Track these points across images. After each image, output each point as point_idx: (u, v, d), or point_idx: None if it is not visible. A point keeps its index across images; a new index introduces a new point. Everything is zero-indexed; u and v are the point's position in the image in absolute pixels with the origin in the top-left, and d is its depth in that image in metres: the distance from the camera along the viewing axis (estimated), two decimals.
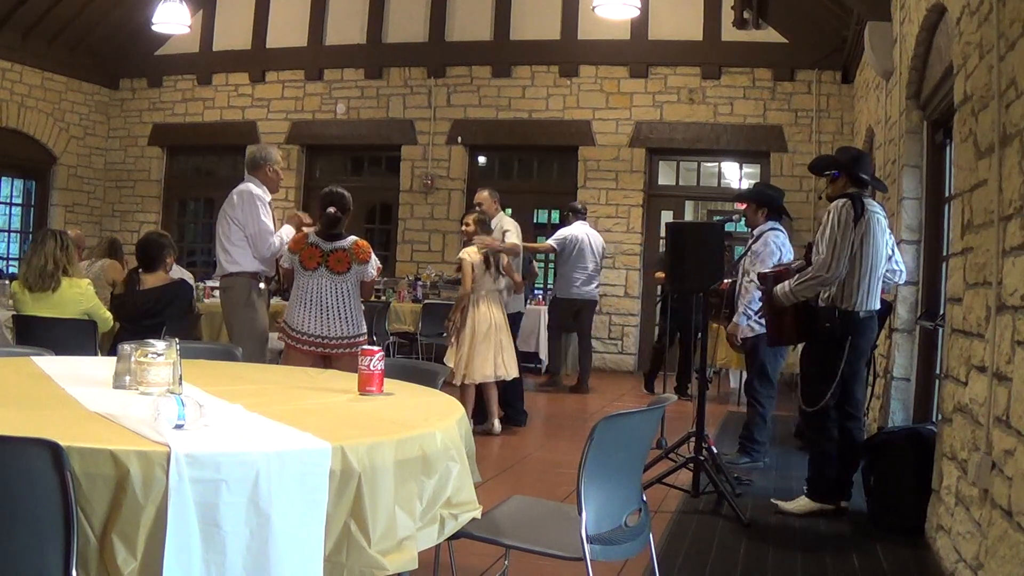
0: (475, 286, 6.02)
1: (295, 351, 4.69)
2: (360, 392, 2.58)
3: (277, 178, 5.29)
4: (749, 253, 5.41)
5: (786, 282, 4.26)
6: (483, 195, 6.81)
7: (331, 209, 4.71)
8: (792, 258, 5.39)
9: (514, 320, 6.70)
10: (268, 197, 5.16)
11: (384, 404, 2.51)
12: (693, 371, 6.99)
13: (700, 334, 5.77)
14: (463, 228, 6.29)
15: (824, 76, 9.99)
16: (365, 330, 4.85)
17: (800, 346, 4.70)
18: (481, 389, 6.11)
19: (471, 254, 6.05)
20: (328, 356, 4.67)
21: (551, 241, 8.54)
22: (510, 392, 6.47)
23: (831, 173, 4.38)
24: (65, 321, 4.89)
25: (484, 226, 6.21)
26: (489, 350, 5.99)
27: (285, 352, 4.88)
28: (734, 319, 5.44)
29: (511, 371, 6.15)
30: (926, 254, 5.42)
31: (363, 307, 4.88)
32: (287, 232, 5.07)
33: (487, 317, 6.01)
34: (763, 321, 5.10)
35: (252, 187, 5.11)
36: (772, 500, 4.55)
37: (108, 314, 5.11)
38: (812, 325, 4.29)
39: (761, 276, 4.40)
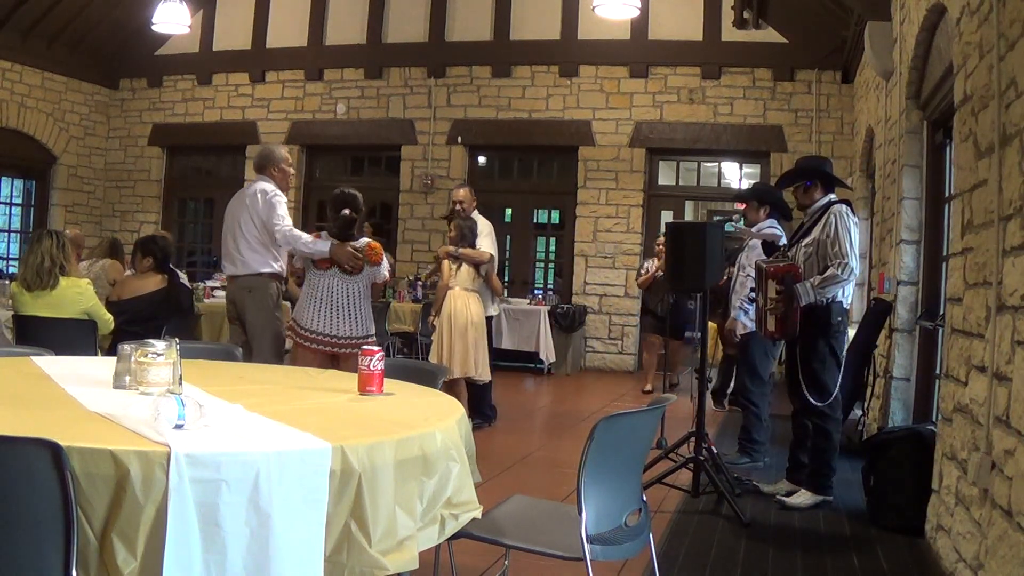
0: (453, 282, 6.12)
1: (304, 349, 4.70)
2: (360, 392, 2.58)
3: (285, 177, 5.23)
4: (746, 248, 5.48)
5: (807, 282, 4.36)
6: (465, 193, 6.64)
7: (346, 211, 4.73)
8: None
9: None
10: (284, 197, 5.11)
11: (384, 404, 2.51)
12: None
13: (700, 334, 5.78)
14: (448, 234, 6.39)
15: (824, 76, 9.99)
16: (374, 331, 4.86)
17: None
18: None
19: (445, 250, 6.25)
20: (336, 355, 4.67)
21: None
22: (475, 394, 6.36)
23: (804, 183, 4.59)
24: (65, 321, 4.89)
25: (464, 231, 6.19)
26: (466, 346, 6.03)
27: (293, 350, 4.88)
28: (732, 315, 5.49)
29: (482, 374, 6.14)
30: (926, 254, 5.42)
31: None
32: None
33: (464, 313, 6.05)
34: (753, 318, 5.14)
35: (268, 185, 5.05)
36: (776, 496, 4.55)
37: (108, 316, 5.12)
38: (812, 319, 4.37)
39: (777, 270, 4.41)
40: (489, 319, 6.50)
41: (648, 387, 8.58)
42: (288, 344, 5.21)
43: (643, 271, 8.69)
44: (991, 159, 3.07)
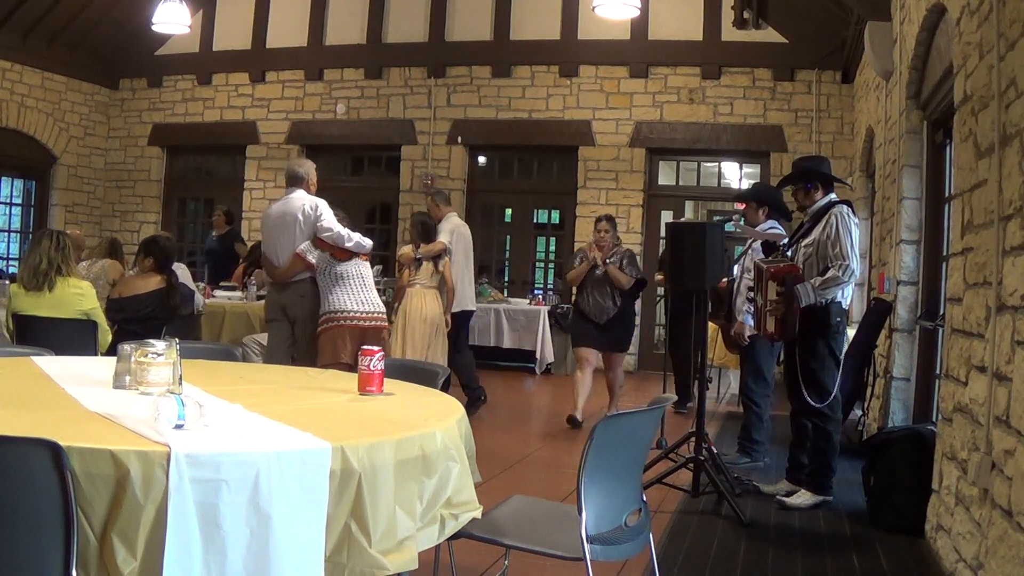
0: (413, 280, 6.45)
1: (341, 329, 5.07)
2: (360, 392, 2.58)
3: (316, 190, 5.57)
4: (751, 251, 5.45)
5: (807, 283, 4.35)
6: (428, 202, 7.30)
7: None
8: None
9: (464, 318, 6.98)
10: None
11: (384, 404, 2.51)
12: (692, 379, 6.90)
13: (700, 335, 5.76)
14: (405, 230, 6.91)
15: (824, 76, 9.99)
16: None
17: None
18: None
19: (406, 253, 6.59)
20: (367, 329, 5.12)
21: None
22: (461, 374, 6.69)
23: (805, 185, 4.59)
24: (65, 321, 4.89)
25: (417, 227, 6.61)
26: (416, 341, 6.26)
27: (330, 335, 5.11)
28: (739, 318, 5.44)
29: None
30: (926, 254, 5.42)
31: None
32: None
33: (418, 310, 6.33)
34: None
35: (311, 199, 5.31)
36: (776, 497, 4.55)
37: (107, 327, 5.11)
38: (811, 319, 4.37)
39: (778, 270, 4.40)
40: (458, 315, 6.72)
41: (578, 414, 6.56)
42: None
43: (577, 264, 6.76)
44: (991, 159, 3.07)
